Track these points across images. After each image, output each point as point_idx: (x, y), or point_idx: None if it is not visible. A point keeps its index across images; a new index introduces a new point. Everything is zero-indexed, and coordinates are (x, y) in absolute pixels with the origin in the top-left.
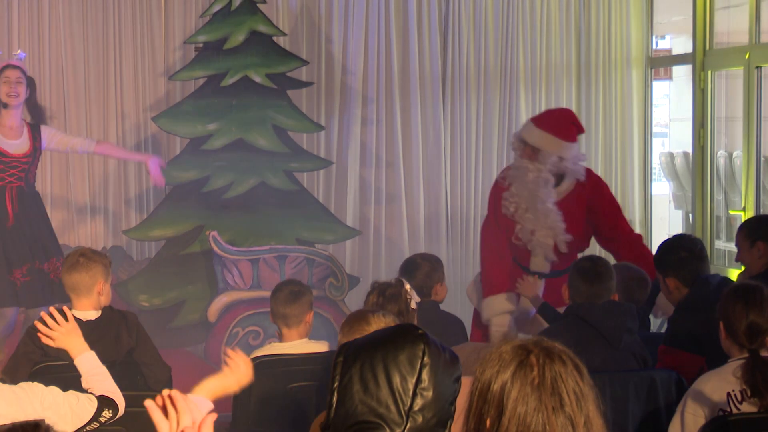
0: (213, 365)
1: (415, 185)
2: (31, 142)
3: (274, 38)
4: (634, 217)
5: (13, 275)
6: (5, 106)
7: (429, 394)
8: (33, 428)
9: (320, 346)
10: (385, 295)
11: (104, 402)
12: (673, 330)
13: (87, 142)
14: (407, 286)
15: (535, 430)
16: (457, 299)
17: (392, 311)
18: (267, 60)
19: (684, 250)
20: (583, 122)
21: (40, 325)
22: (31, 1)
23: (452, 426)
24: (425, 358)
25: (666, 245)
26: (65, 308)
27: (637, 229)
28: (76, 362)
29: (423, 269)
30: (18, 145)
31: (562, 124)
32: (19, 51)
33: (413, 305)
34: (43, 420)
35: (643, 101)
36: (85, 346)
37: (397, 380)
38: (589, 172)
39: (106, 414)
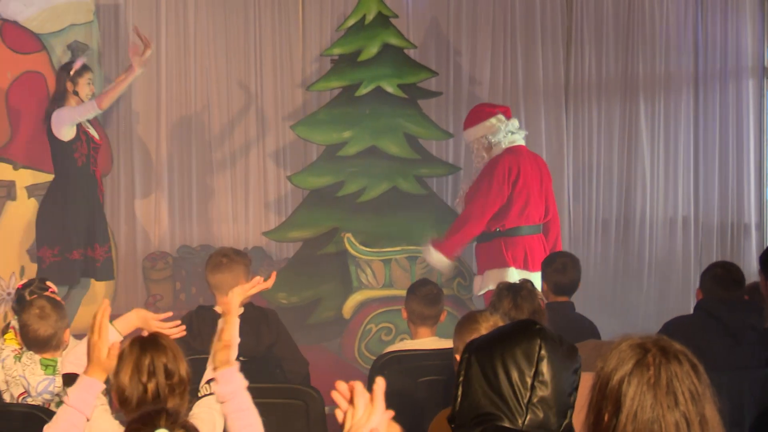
0: (348, 360)
1: None
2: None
3: (405, 50)
4: (750, 221)
5: (72, 255)
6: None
7: (547, 385)
8: (156, 415)
9: (448, 343)
10: (520, 295)
11: None
12: None
13: (90, 104)
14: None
15: (649, 427)
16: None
17: (527, 310)
18: (398, 71)
19: None
20: (700, 129)
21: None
22: (177, 19)
23: (575, 420)
24: (542, 352)
25: None
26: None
27: (752, 234)
28: (218, 375)
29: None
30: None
31: (473, 114)
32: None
33: (543, 304)
34: (163, 408)
35: (758, 110)
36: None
37: (515, 374)
38: (501, 157)
39: None
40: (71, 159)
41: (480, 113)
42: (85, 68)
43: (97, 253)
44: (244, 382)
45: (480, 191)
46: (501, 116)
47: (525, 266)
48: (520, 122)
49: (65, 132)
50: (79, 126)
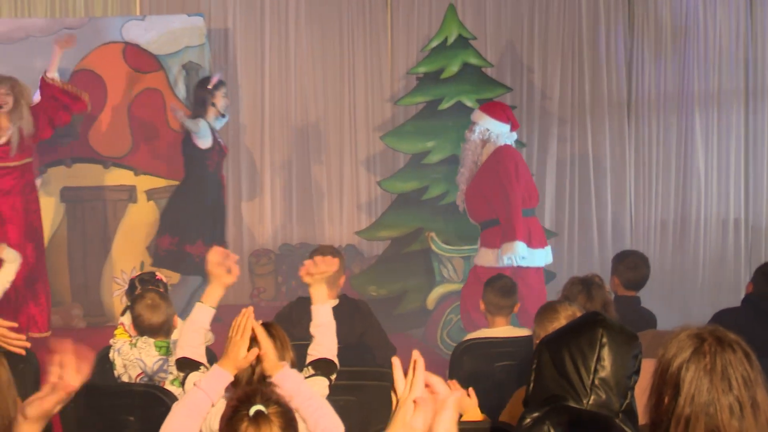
0: (431, 346)
1: (603, 194)
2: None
3: (483, 69)
4: None
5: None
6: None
7: (608, 369)
8: (252, 393)
9: (522, 332)
10: (592, 287)
11: None
12: None
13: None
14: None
15: (705, 410)
16: None
17: (599, 301)
18: (477, 87)
19: None
20: (750, 140)
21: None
22: (280, 41)
23: (638, 402)
24: (603, 339)
25: None
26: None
27: None
28: (274, 380)
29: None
30: None
31: (498, 108)
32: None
33: (611, 297)
34: (259, 388)
35: None
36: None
37: (579, 360)
38: (504, 148)
39: None
40: (204, 165)
41: (503, 112)
42: (221, 83)
43: None
44: (300, 376)
45: (507, 177)
46: (511, 127)
47: (529, 244)
48: (586, 133)
49: (203, 141)
50: (215, 136)
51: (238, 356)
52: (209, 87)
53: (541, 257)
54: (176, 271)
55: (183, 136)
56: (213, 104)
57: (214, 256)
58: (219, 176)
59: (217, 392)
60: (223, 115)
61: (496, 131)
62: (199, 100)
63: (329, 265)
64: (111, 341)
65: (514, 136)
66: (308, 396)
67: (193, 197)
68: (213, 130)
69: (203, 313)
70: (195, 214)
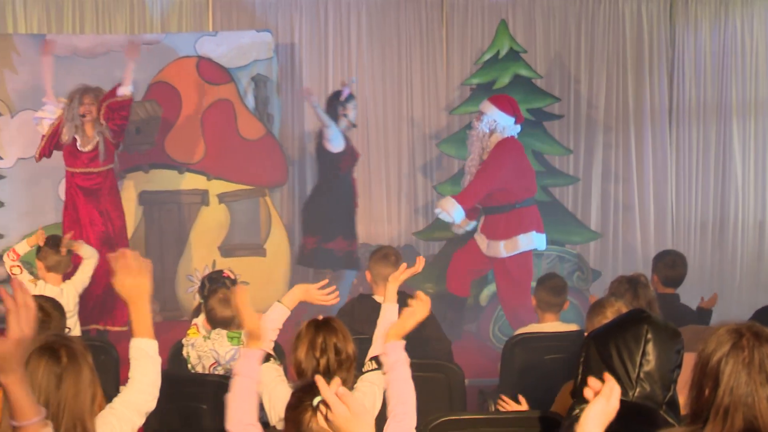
0: (483, 340)
1: (646, 198)
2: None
3: (533, 80)
4: None
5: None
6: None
7: (652, 363)
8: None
9: (570, 327)
10: (638, 286)
11: None
12: None
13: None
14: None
15: (744, 401)
16: None
17: (644, 300)
18: (527, 97)
19: None
20: None
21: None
22: (342, 55)
23: (680, 394)
24: (648, 335)
25: None
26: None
27: None
28: (386, 346)
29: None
30: None
31: (508, 103)
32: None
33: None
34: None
35: None
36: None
37: (625, 354)
38: (509, 140)
39: None
40: (336, 167)
41: (510, 105)
42: (351, 96)
43: (352, 246)
44: (407, 359)
45: (496, 166)
46: (516, 120)
47: (539, 230)
48: (630, 140)
49: (334, 146)
50: (347, 141)
51: (254, 333)
52: (341, 99)
53: (542, 241)
54: (320, 267)
55: (316, 143)
56: (345, 115)
57: None
58: (350, 178)
59: (255, 369)
60: (354, 125)
61: (503, 123)
62: (332, 110)
63: (419, 264)
64: (184, 340)
65: (519, 128)
66: (402, 378)
67: (328, 198)
68: (345, 137)
69: (279, 312)
70: (331, 214)
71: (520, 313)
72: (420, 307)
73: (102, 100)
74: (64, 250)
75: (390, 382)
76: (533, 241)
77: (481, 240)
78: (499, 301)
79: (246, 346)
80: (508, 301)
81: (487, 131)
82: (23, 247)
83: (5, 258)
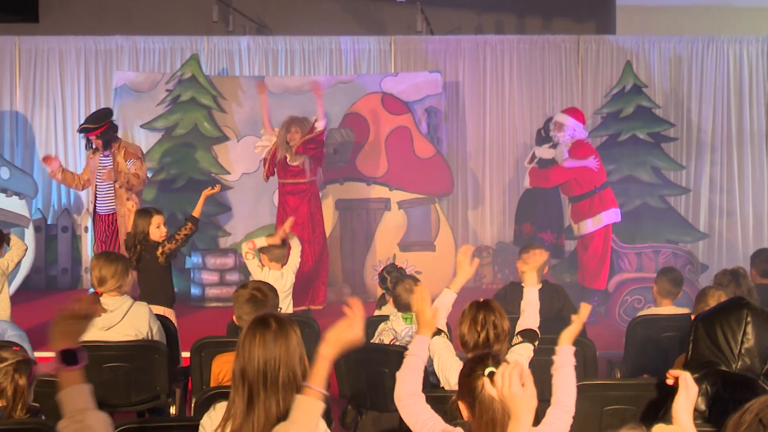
0: (611, 320)
1: (746, 205)
2: None
3: (653, 109)
4: None
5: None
6: None
7: (752, 341)
8: (486, 357)
9: (682, 310)
10: (739, 277)
11: None
12: None
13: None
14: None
15: None
16: None
17: (745, 288)
18: (647, 124)
19: None
20: None
21: None
22: (497, 89)
23: None
24: (748, 318)
25: None
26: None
27: None
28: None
29: None
30: None
31: (575, 110)
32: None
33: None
34: (490, 353)
35: None
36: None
37: (729, 334)
38: (583, 142)
39: None
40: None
41: (581, 115)
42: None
43: (559, 239)
44: (574, 361)
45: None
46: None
47: (615, 207)
48: (732, 158)
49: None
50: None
51: (426, 321)
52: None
53: (618, 214)
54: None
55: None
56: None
57: (464, 251)
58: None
59: (424, 352)
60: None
61: (579, 129)
62: (545, 134)
63: (541, 256)
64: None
65: (586, 132)
66: (571, 376)
67: (539, 195)
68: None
69: (448, 296)
70: (542, 209)
71: (587, 278)
72: (584, 312)
73: (305, 134)
74: (280, 240)
75: (556, 378)
76: (612, 215)
77: (584, 225)
78: (578, 263)
79: (419, 333)
80: (586, 265)
81: (569, 139)
82: (261, 242)
83: (243, 245)
